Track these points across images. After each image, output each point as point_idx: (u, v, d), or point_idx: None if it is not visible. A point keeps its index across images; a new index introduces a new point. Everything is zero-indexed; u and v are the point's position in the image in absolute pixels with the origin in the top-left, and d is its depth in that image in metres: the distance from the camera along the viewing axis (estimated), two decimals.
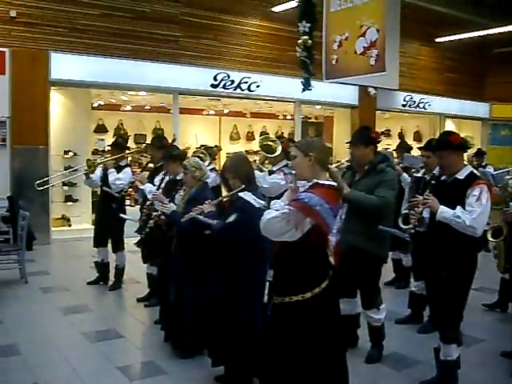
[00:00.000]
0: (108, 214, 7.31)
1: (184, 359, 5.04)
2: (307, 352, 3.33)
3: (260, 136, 15.41)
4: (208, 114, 16.33)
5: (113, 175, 7.21)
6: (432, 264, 4.41)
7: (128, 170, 7.46)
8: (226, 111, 16.27)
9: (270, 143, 6.37)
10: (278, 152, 6.31)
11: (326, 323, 3.40)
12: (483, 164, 10.43)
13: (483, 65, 17.13)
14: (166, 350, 5.27)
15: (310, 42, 7.70)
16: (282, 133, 16.72)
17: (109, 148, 8.50)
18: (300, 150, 3.45)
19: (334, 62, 7.53)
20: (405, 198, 5.75)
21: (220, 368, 4.52)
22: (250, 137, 16.96)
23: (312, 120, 17.58)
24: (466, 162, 4.54)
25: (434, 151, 4.74)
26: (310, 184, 3.39)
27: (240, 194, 4.22)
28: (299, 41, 7.82)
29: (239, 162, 4.47)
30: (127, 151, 7.86)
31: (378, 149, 5.16)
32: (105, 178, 7.31)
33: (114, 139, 8.17)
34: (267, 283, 4.41)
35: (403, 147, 7.94)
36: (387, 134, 16.87)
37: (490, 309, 6.78)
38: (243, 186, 4.21)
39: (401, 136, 16.65)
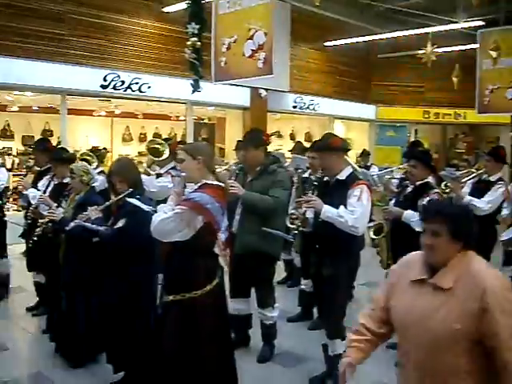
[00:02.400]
0: None
1: (75, 368, 4.91)
2: (196, 349, 3.39)
3: (153, 137, 15.28)
4: (99, 115, 15.88)
5: None
6: (316, 263, 4.54)
7: (3, 169, 7.14)
8: (117, 112, 15.89)
9: (158, 146, 6.32)
10: (166, 155, 6.27)
11: (216, 320, 3.52)
12: (368, 164, 10.83)
13: (368, 69, 17.79)
14: (55, 359, 5.11)
15: (198, 43, 7.71)
16: (175, 134, 16.61)
17: None
18: (188, 153, 3.58)
19: (222, 65, 7.57)
20: (291, 198, 5.88)
21: (115, 375, 4.46)
22: (142, 138, 16.66)
23: (205, 121, 17.56)
24: (351, 162, 4.71)
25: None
26: (200, 184, 3.53)
27: (128, 200, 4.18)
28: (188, 42, 7.82)
29: (125, 165, 4.45)
30: None
31: (270, 149, 5.28)
32: None
33: None
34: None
35: (299, 148, 8.01)
36: (278, 135, 17.15)
37: None
38: (130, 189, 4.17)
39: (292, 137, 16.98)
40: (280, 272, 7.86)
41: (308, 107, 15.76)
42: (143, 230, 3.77)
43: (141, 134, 16.74)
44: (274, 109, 14.77)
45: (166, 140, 6.54)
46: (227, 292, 5.20)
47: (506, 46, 8.89)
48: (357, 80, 17.31)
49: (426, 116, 18.06)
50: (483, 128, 18.98)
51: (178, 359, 3.43)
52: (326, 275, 4.39)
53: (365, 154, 11.54)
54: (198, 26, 7.73)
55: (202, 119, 17.39)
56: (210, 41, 7.96)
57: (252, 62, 7.08)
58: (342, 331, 4.57)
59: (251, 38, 7.11)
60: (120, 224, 4.11)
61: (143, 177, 5.76)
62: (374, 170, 9.44)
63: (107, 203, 4.42)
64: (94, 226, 4.31)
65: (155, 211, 3.68)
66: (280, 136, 17.42)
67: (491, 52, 9.09)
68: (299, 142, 10.36)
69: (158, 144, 6.34)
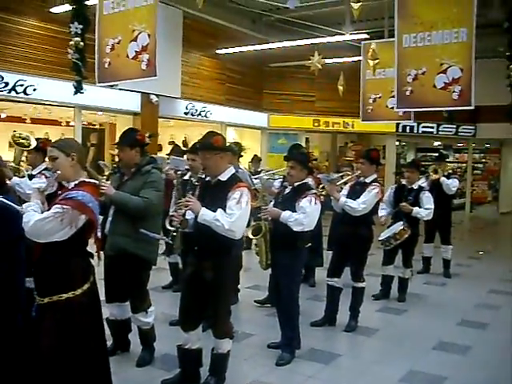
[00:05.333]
0: None
1: None
2: (75, 350, 3.35)
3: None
4: None
5: None
6: (195, 265, 4.51)
7: None
8: (3, 116, 15.25)
9: (23, 141, 6.04)
10: (32, 146, 5.99)
11: (94, 320, 3.52)
12: (258, 170, 10.98)
13: (261, 78, 18.10)
14: None
15: (81, 43, 7.53)
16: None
17: None
18: (61, 150, 3.52)
19: (106, 66, 7.41)
20: (172, 200, 5.86)
21: None
22: None
23: (96, 127, 17.17)
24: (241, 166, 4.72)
25: (198, 152, 4.89)
26: (77, 182, 3.46)
27: None
28: (71, 42, 7.64)
29: None
30: None
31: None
32: None
33: None
34: None
35: (176, 151, 8.07)
36: (172, 142, 17.06)
37: (261, 305, 7.14)
38: None
39: (185, 144, 16.92)
40: (166, 277, 7.83)
41: (200, 114, 15.73)
42: (7, 229, 3.64)
43: None
44: (165, 115, 14.67)
45: (37, 139, 6.23)
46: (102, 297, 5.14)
47: (386, 58, 9.30)
48: (249, 88, 17.53)
49: (316, 124, 18.58)
50: (371, 137, 19.83)
51: (55, 362, 3.32)
52: (207, 279, 4.37)
53: (255, 160, 11.70)
54: (81, 26, 7.55)
55: (94, 125, 17.00)
56: (95, 42, 7.79)
57: (136, 63, 7.00)
58: (229, 330, 4.61)
59: (135, 39, 7.02)
60: None
61: (16, 179, 5.55)
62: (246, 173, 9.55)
63: None
64: None
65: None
66: (173, 143, 17.33)
67: (369, 61, 9.48)
68: (176, 145, 10.37)
69: (23, 138, 6.05)
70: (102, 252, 4.91)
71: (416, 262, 8.55)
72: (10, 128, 15.52)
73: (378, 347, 5.96)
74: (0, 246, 3.90)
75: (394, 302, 7.64)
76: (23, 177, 5.69)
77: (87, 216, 3.31)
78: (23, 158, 6.23)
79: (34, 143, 5.97)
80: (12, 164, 6.06)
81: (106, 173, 5.47)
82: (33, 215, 3.25)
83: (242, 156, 7.32)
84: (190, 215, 4.46)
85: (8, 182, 5.38)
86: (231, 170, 4.53)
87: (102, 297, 3.77)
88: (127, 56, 7.12)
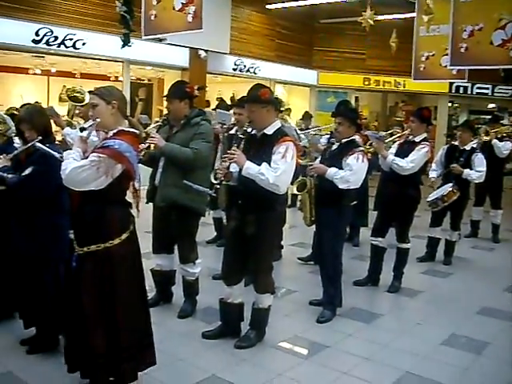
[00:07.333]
0: None
1: None
2: (114, 299, 3.36)
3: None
4: (35, 74, 15.35)
5: None
6: (238, 219, 4.48)
7: None
8: (53, 71, 15.40)
9: (77, 94, 6.11)
10: (86, 101, 6.06)
11: (133, 268, 3.48)
12: (310, 127, 10.82)
13: (311, 34, 17.79)
14: None
15: None
16: None
17: None
18: (102, 98, 3.46)
19: (152, 18, 7.38)
20: (218, 154, 5.83)
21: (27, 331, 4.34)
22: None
23: (144, 82, 17.20)
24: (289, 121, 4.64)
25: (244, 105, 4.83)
26: (115, 131, 3.41)
27: (38, 145, 4.03)
28: None
29: (35, 113, 4.28)
30: None
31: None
32: None
33: None
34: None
35: (222, 107, 8.02)
36: (220, 98, 16.98)
37: (305, 262, 7.13)
38: (40, 137, 4.01)
39: (233, 100, 16.84)
40: (211, 231, 7.88)
41: (248, 70, 15.61)
42: (53, 177, 3.66)
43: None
44: (213, 70, 14.58)
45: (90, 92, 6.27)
46: (150, 248, 5.21)
47: (442, 14, 8.94)
48: (299, 45, 17.27)
49: (367, 83, 18.23)
50: (422, 97, 19.31)
51: (95, 311, 3.35)
52: (249, 233, 4.35)
53: (306, 117, 11.51)
54: None
55: (143, 80, 17.04)
56: None
57: (181, 15, 6.93)
58: (270, 285, 4.60)
59: None
60: (27, 171, 3.96)
61: (68, 129, 5.62)
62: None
63: (16, 151, 4.23)
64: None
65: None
66: (220, 99, 17.24)
67: (423, 16, 9.14)
68: (222, 100, 10.27)
69: (78, 92, 6.11)
70: (140, 203, 5.00)
71: (464, 225, 8.36)
72: (61, 82, 15.77)
73: (420, 309, 5.88)
74: (45, 195, 3.96)
75: (440, 264, 7.51)
76: (72, 126, 5.74)
77: (123, 165, 3.27)
78: (77, 112, 6.28)
79: (87, 97, 5.99)
80: (66, 117, 6.12)
81: (151, 126, 5.44)
82: (70, 163, 3.24)
83: (281, 111, 7.21)
84: (234, 168, 4.42)
85: (62, 131, 5.49)
86: (277, 124, 4.45)
87: (144, 249, 3.78)
88: (173, 8, 7.05)
